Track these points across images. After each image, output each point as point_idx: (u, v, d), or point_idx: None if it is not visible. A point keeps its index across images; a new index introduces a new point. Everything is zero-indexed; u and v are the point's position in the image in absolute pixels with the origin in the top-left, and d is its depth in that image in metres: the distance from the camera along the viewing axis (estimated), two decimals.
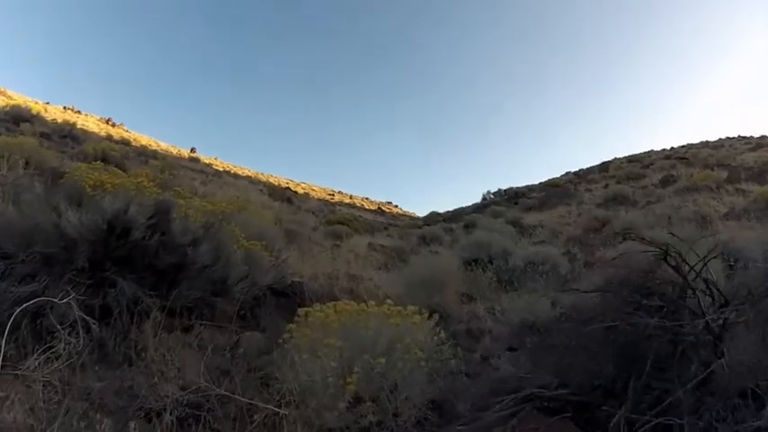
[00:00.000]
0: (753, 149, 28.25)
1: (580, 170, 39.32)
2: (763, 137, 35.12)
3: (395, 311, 2.85)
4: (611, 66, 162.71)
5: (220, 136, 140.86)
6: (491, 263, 7.97)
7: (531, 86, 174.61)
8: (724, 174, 21.01)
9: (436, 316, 3.40)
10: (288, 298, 4.76)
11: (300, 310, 3.01)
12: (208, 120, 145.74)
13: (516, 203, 27.97)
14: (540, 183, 37.84)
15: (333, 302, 3.02)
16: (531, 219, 19.52)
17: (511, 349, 4.04)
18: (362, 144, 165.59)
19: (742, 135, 38.68)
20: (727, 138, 38.90)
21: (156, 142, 44.15)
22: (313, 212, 27.73)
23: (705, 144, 35.99)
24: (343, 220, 21.84)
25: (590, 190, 25.50)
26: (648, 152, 39.43)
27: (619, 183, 24.80)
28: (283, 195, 30.33)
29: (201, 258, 3.71)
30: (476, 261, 8.15)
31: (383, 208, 53.86)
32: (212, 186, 23.67)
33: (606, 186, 25.18)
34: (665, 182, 22.20)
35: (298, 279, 5.30)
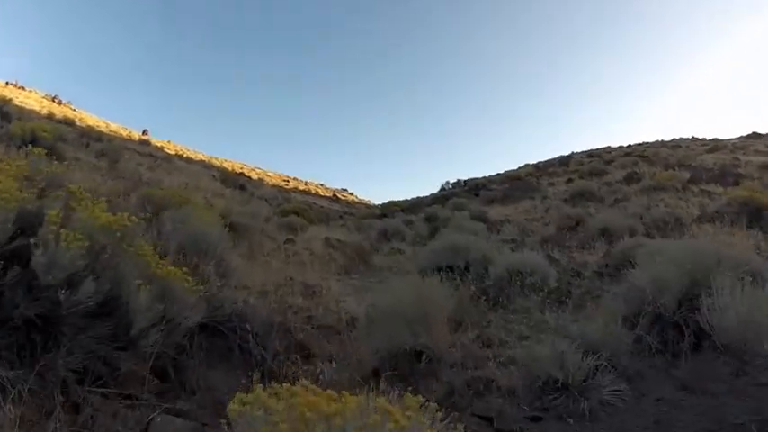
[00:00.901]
0: (710, 151, 28.49)
1: (539, 163, 39.01)
2: (715, 139, 35.70)
3: (382, 409, 1.66)
4: (571, 60, 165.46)
5: (178, 119, 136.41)
6: (467, 270, 6.92)
7: (490, 77, 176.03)
8: (687, 174, 20.81)
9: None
10: (226, 338, 3.54)
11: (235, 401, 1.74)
12: (164, 102, 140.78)
13: (477, 195, 27.17)
14: (499, 174, 37.33)
15: (284, 385, 1.78)
16: (495, 213, 18.70)
17: (535, 419, 2.96)
18: (319, 131, 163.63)
19: (695, 137, 39.23)
20: (682, 138, 39.40)
21: (105, 123, 41.80)
22: (267, 200, 26.59)
23: (662, 143, 36.23)
24: (297, 210, 20.49)
25: (553, 184, 24.97)
26: (606, 148, 39.49)
27: (582, 178, 24.35)
28: (236, 182, 28.88)
29: (85, 303, 2.45)
30: (451, 268, 7.10)
31: (338, 195, 52.98)
32: (160, 172, 22.23)
33: (569, 181, 24.73)
34: (629, 179, 21.80)
35: (241, 302, 4.05)
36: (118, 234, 2.95)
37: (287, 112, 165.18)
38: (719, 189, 18.49)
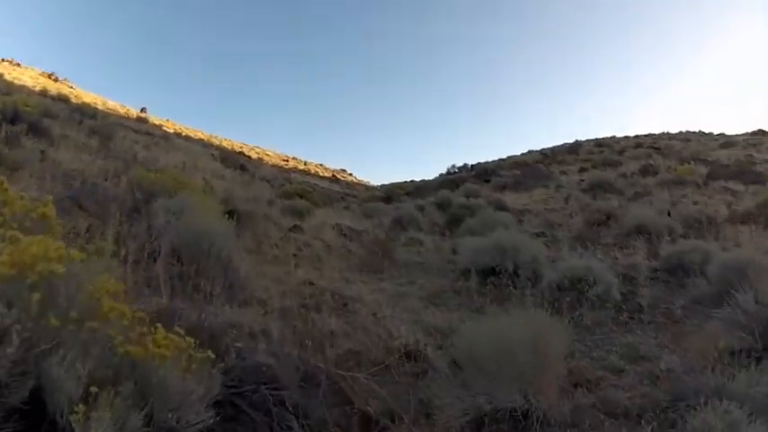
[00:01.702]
0: (723, 147, 27.82)
1: (546, 150, 38.07)
2: (722, 134, 35.05)
3: None
4: (578, 49, 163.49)
5: (179, 98, 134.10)
6: (516, 274, 6.16)
7: (492, 63, 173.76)
8: (704, 169, 20.13)
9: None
10: (251, 423, 2.57)
11: None
12: (165, 81, 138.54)
13: (487, 181, 26.39)
14: (505, 159, 36.34)
15: None
16: (511, 201, 17.89)
17: None
18: (316, 109, 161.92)
19: (702, 131, 38.46)
20: (689, 132, 38.60)
21: (102, 101, 40.47)
22: (268, 181, 25.66)
23: (670, 136, 35.41)
24: (301, 192, 19.61)
25: (565, 173, 24.18)
26: (612, 137, 38.64)
27: (595, 168, 23.58)
28: (236, 162, 27.81)
29: None
30: (494, 271, 6.33)
31: (337, 176, 51.95)
32: (157, 151, 21.34)
33: (581, 170, 23.96)
34: (645, 171, 21.09)
35: (265, 356, 3.12)
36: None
37: (285, 90, 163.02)
38: (741, 187, 17.92)
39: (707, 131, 37.62)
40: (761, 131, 32.87)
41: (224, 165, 25.18)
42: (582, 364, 3.91)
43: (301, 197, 19.51)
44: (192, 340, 2.42)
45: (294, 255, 8.22)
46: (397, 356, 3.79)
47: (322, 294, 5.55)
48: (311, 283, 6.00)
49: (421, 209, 17.02)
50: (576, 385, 3.49)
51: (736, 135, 32.83)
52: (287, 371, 2.91)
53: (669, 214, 12.51)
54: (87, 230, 4.97)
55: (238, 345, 3.07)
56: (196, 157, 24.66)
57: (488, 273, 6.36)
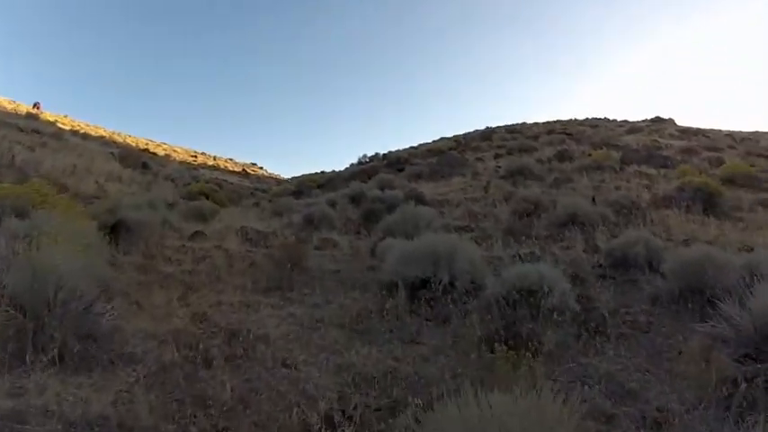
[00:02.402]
0: (629, 132, 28.61)
1: (458, 137, 37.77)
2: (626, 121, 36.38)
3: None
4: (477, 35, 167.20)
5: (80, 93, 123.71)
6: (452, 285, 5.00)
7: (397, 49, 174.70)
8: (616, 154, 20.26)
9: None
10: None
11: None
12: (67, 75, 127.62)
13: (401, 170, 25.43)
14: (416, 147, 35.62)
15: None
16: (428, 191, 16.91)
17: None
18: (224, 104, 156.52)
19: (607, 117, 39.69)
20: (595, 118, 39.69)
21: None
22: (173, 180, 23.63)
23: (581, 122, 36.16)
24: (206, 191, 17.54)
25: (481, 159, 23.65)
26: (523, 124, 39.02)
27: (510, 154, 23.27)
28: (138, 160, 25.28)
29: None
30: (425, 283, 5.13)
31: (248, 170, 50.19)
32: (43, 152, 18.81)
33: (497, 156, 23.58)
34: (561, 157, 20.94)
35: None
36: None
37: (194, 85, 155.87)
38: (653, 171, 18.12)
39: (611, 118, 38.84)
40: (658, 118, 34.47)
41: (123, 164, 23.07)
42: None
43: (207, 197, 17.60)
44: None
45: (190, 272, 6.75)
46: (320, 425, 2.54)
47: (216, 335, 4.18)
48: (203, 319, 4.60)
49: (333, 204, 15.68)
50: None
51: (639, 122, 34.11)
52: None
53: (594, 200, 12.02)
54: None
55: None
56: (92, 158, 22.40)
57: (418, 285, 5.16)
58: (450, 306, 4.83)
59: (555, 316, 4.24)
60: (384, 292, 5.28)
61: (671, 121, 33.16)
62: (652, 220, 10.38)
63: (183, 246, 8.21)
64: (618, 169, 17.88)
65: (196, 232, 9.53)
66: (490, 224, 9.96)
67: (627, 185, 15.51)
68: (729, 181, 14.59)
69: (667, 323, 4.78)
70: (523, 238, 8.35)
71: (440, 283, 4.99)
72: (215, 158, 52.11)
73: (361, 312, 4.93)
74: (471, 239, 7.84)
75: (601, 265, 6.84)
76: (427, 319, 4.75)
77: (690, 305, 4.97)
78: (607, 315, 4.64)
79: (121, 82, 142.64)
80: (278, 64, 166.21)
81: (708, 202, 11.90)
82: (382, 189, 16.90)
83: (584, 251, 7.57)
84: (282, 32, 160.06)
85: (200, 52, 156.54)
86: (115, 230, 7.33)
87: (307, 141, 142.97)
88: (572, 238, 8.32)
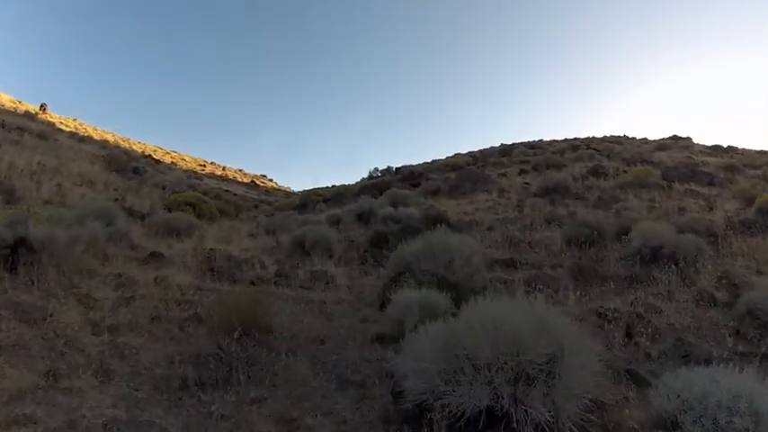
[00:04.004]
0: (660, 149, 26.48)
1: (474, 152, 35.68)
2: (645, 139, 34.45)
3: None
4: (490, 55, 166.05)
5: (118, 106, 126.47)
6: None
7: (412, 64, 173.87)
8: (656, 171, 18.04)
9: None
10: None
11: None
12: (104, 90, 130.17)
13: (416, 185, 23.14)
14: (432, 162, 33.44)
15: None
16: (450, 209, 14.63)
17: None
18: (247, 117, 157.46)
19: (626, 135, 37.61)
20: (614, 135, 37.51)
21: None
22: (163, 187, 21.95)
23: (603, 139, 33.96)
24: (193, 200, 15.16)
25: (504, 175, 21.35)
26: (541, 140, 36.92)
27: (536, 169, 21.00)
28: (127, 165, 23.52)
29: None
30: (492, 419, 2.83)
31: (257, 181, 48.94)
32: (13, 149, 17.22)
33: (522, 173, 21.34)
34: (596, 173, 18.69)
35: None
36: None
37: (215, 96, 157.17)
38: (704, 189, 15.99)
39: (630, 136, 36.81)
40: (676, 136, 32.65)
41: (109, 168, 21.38)
42: None
43: (194, 207, 15.33)
44: None
45: (96, 324, 4.53)
46: None
47: None
48: None
49: (337, 222, 13.36)
50: None
51: (660, 139, 32.05)
52: None
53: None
54: None
55: None
56: (72, 159, 20.78)
57: (473, 418, 2.79)
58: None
59: None
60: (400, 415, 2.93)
61: (689, 139, 31.02)
62: (744, 252, 8.10)
63: (118, 276, 6.01)
64: (666, 187, 15.63)
65: (152, 254, 7.34)
66: (542, 257, 7.64)
67: (680, 204, 13.23)
68: None
69: None
70: (597, 280, 6.05)
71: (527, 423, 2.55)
72: (224, 169, 51.59)
73: None
74: (534, 289, 5.53)
75: (738, 332, 4.54)
76: None
77: None
78: None
79: (153, 95, 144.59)
80: (289, 77, 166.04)
81: None
82: (395, 206, 14.59)
83: (697, 304, 5.26)
84: (310, 55, 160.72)
85: (229, 67, 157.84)
86: (16, 251, 5.26)
87: (324, 158, 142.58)
88: (666, 280, 6.00)
